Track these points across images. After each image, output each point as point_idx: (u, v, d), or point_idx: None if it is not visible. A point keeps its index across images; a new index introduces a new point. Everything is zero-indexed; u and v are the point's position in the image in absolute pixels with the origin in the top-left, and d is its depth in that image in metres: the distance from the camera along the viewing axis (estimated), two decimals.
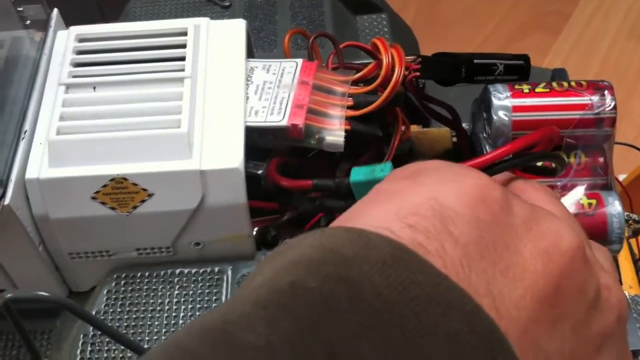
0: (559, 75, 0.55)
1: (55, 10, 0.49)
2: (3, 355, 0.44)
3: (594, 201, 0.43)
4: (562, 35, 1.40)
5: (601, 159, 0.44)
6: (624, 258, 0.47)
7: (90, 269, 0.45)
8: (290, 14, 0.62)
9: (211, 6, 0.64)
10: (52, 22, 0.48)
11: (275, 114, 0.44)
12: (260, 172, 0.44)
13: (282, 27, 0.61)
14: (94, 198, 0.41)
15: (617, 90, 0.44)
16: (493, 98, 0.45)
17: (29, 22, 0.49)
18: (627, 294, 0.45)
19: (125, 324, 0.42)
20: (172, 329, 0.42)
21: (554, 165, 0.40)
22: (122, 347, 0.41)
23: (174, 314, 0.42)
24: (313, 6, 0.62)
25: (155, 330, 0.42)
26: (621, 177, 0.79)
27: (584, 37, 1.40)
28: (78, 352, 0.42)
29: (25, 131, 0.43)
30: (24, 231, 0.41)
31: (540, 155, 0.41)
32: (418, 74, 0.47)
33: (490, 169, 0.42)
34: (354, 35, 0.62)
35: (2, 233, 0.41)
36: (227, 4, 0.64)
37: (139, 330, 0.42)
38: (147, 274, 0.44)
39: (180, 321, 0.42)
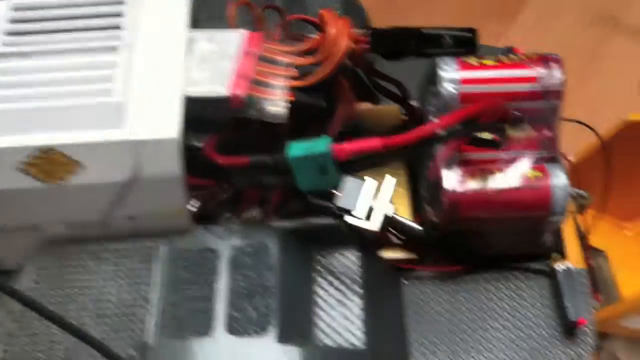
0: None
1: None
2: None
3: (539, 173, 0.43)
4: (517, 22, 1.41)
5: (548, 133, 0.44)
6: (571, 233, 0.46)
7: (17, 244, 0.43)
8: None
9: None
10: None
11: (217, 84, 0.42)
12: (201, 144, 0.42)
13: None
14: (19, 169, 0.39)
15: (569, 74, 0.44)
16: (440, 71, 0.44)
17: None
18: (573, 268, 0.45)
19: (53, 300, 0.40)
20: (104, 306, 0.40)
21: (498, 138, 0.39)
22: (50, 324, 0.39)
23: (105, 290, 0.41)
24: None
25: (86, 307, 0.40)
26: (572, 158, 0.79)
27: (539, 22, 1.40)
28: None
29: None
30: None
31: (480, 126, 0.40)
32: (367, 46, 0.46)
33: (433, 141, 0.41)
34: (304, 12, 0.60)
35: None
36: None
37: (69, 307, 0.40)
38: (77, 249, 0.42)
39: (112, 298, 0.40)
